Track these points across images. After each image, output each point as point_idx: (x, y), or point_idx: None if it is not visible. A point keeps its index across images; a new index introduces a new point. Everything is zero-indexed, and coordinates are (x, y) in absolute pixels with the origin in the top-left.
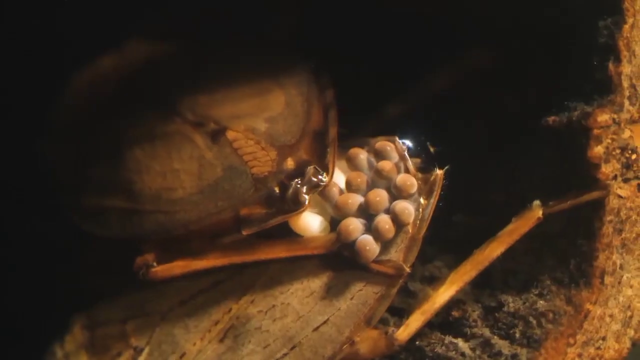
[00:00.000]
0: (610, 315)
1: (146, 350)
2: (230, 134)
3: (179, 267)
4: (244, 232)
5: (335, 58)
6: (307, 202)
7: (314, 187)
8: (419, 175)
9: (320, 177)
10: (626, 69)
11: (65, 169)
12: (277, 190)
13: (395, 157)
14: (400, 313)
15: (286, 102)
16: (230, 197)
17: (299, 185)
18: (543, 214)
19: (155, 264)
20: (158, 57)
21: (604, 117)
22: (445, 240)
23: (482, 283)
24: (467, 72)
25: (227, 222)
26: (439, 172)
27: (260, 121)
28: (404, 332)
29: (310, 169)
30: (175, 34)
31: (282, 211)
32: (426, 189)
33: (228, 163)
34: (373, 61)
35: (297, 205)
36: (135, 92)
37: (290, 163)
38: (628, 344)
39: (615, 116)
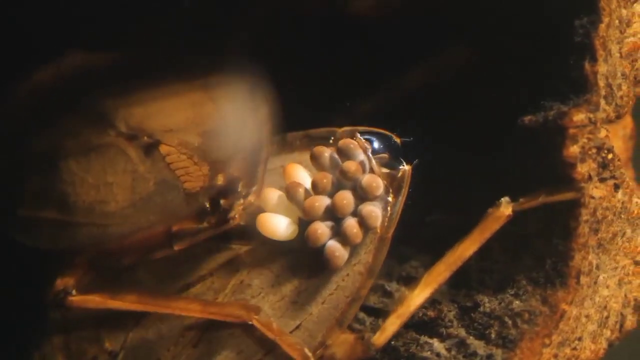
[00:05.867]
0: (587, 316)
1: (121, 355)
2: (163, 148)
3: (94, 301)
4: (176, 247)
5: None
6: (235, 218)
7: (242, 205)
8: (385, 171)
9: (249, 195)
10: (602, 68)
11: None
12: (207, 205)
13: (359, 154)
14: (376, 313)
15: (220, 117)
16: (162, 212)
17: (230, 201)
18: (513, 210)
19: (74, 291)
20: (94, 69)
21: (579, 117)
22: (422, 239)
23: (458, 283)
24: (443, 70)
25: (158, 237)
26: (406, 168)
27: (194, 135)
28: (381, 336)
29: (240, 185)
30: (114, 45)
31: (212, 226)
32: (394, 186)
33: (160, 177)
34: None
35: (225, 221)
36: (71, 104)
37: (220, 179)
38: (604, 345)
39: (592, 115)
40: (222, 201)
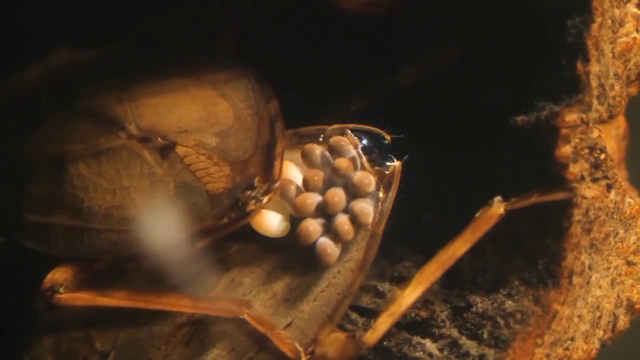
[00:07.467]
0: (579, 316)
1: (112, 355)
2: (180, 150)
3: (83, 299)
4: (198, 245)
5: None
6: (254, 212)
7: (260, 200)
8: (376, 167)
9: (266, 190)
10: (595, 68)
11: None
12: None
13: (350, 151)
14: (369, 313)
15: (235, 115)
16: (187, 215)
17: (248, 196)
18: (505, 210)
19: (61, 289)
20: (89, 67)
21: (572, 117)
22: (414, 240)
23: (451, 283)
24: (435, 69)
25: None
26: (396, 164)
27: (210, 136)
28: (372, 335)
29: (257, 181)
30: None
31: (232, 221)
32: (385, 182)
33: (181, 180)
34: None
35: (245, 215)
36: (70, 105)
37: (238, 177)
38: (597, 345)
39: (584, 116)
40: (239, 195)
